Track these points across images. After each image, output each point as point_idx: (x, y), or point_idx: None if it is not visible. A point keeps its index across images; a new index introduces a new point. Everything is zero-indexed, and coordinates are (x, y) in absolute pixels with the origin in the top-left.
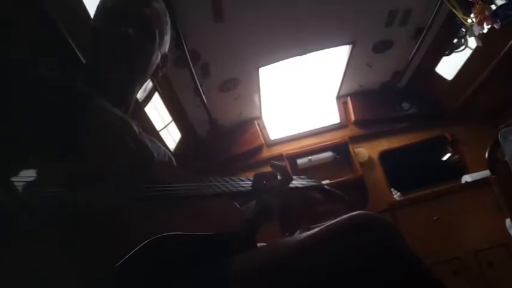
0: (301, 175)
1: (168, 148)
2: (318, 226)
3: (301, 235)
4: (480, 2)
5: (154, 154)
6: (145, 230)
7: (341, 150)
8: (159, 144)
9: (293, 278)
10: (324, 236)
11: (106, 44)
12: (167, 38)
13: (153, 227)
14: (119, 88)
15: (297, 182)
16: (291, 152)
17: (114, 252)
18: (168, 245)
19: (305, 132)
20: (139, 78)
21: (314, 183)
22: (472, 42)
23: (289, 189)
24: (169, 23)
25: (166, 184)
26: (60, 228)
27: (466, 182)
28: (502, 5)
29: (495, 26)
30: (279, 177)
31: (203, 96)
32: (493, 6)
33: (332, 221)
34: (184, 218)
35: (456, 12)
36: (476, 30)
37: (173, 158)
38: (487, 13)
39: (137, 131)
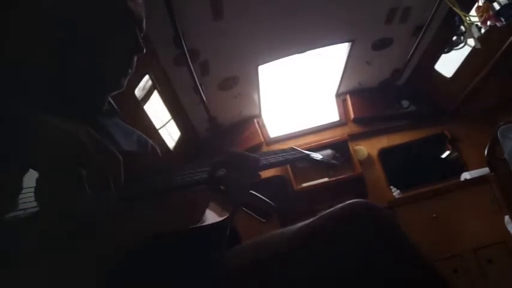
0: (287, 150)
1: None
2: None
3: (297, 225)
4: (485, 1)
5: (124, 148)
6: (131, 231)
7: (340, 148)
8: (139, 133)
9: (290, 269)
10: (320, 225)
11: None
12: None
13: (137, 226)
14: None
15: (280, 156)
16: None
17: (101, 257)
18: (155, 244)
19: (304, 130)
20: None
21: (301, 154)
22: (471, 41)
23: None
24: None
25: (150, 178)
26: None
27: (466, 180)
28: (506, 5)
29: (498, 24)
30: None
31: (202, 94)
32: (496, 5)
33: (328, 210)
34: (171, 212)
35: (456, 10)
36: (476, 32)
37: (157, 147)
38: (490, 12)
39: (84, 139)
